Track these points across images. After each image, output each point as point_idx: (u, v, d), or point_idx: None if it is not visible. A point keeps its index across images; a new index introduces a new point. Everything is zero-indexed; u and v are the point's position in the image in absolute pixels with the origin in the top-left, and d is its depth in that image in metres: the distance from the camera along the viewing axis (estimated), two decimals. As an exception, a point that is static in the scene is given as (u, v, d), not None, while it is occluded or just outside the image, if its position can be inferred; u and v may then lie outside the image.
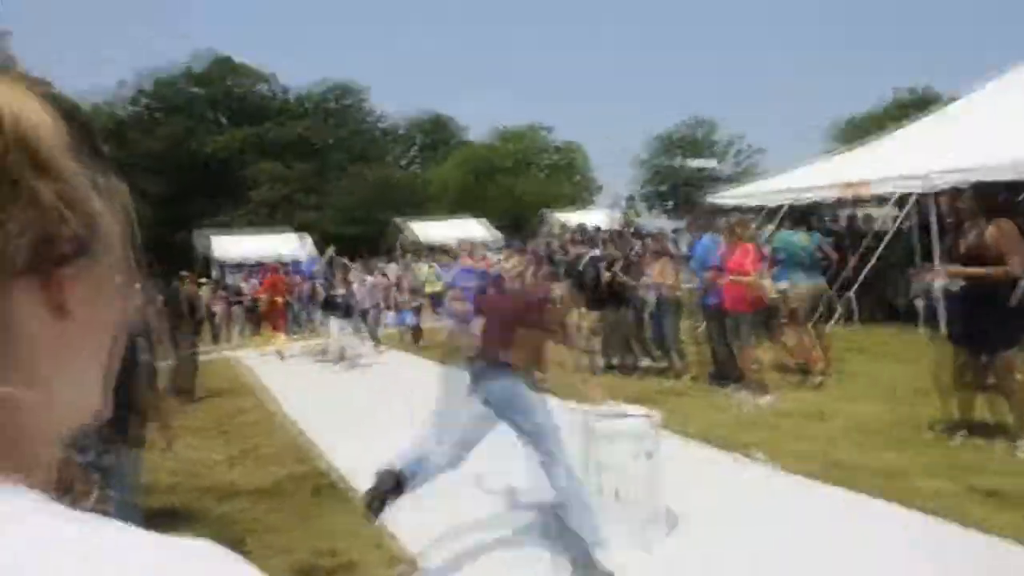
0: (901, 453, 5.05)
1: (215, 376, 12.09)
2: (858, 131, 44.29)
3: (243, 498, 5.41)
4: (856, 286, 9.81)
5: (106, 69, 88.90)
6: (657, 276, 8.19)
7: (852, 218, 12.54)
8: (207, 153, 54.46)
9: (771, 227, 11.80)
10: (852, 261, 11.38)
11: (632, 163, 55.78)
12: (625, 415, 4.03)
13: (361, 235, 46.43)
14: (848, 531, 4.01)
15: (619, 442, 3.77)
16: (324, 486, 5.45)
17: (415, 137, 66.17)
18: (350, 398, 9.29)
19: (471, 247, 19.18)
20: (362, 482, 5.42)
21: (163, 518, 5.11)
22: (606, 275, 8.63)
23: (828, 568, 3.63)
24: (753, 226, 8.29)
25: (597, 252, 9.50)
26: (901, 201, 13.45)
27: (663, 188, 58.09)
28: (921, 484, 4.48)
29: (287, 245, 26.48)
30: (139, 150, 52.57)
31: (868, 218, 12.55)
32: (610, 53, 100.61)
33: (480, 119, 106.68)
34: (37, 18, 77.71)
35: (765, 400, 6.74)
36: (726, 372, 7.65)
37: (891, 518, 4.15)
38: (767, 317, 7.57)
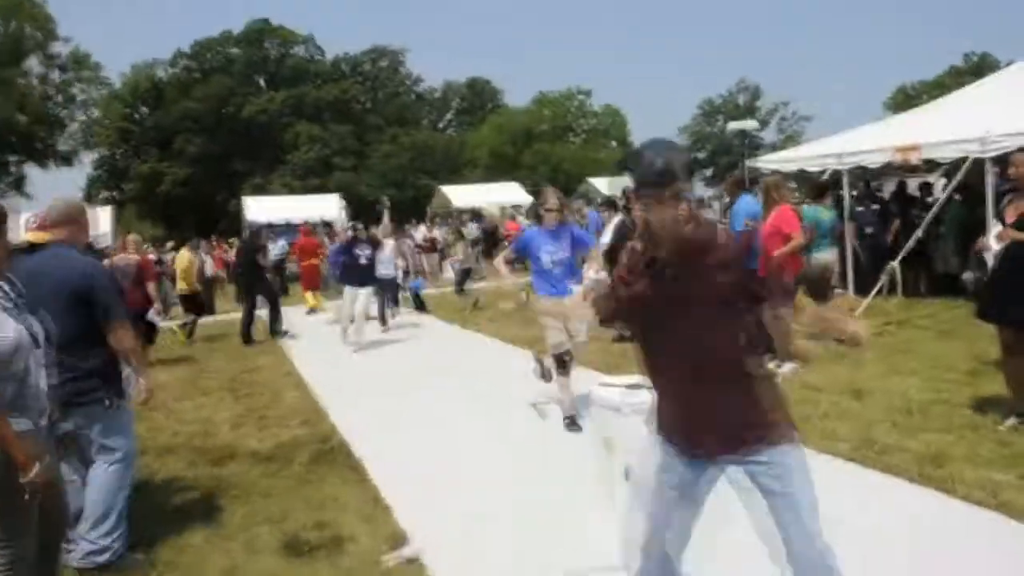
0: (944, 436, 4.61)
1: (234, 336, 12.01)
2: (913, 101, 42.70)
3: (240, 461, 5.20)
4: (900, 257, 9.18)
5: (151, 32, 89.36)
6: None
7: (901, 185, 11.85)
8: (245, 115, 54.46)
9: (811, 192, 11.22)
10: (893, 229, 10.80)
11: (673, 129, 54.95)
12: (639, 386, 3.65)
13: (397, 198, 46.52)
14: (883, 518, 3.62)
15: (631, 416, 3.40)
16: (324, 452, 5.21)
17: (452, 101, 65.51)
18: (365, 361, 9.11)
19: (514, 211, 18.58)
20: (363, 448, 5.21)
21: (156, 481, 4.93)
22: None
23: (859, 557, 3.25)
24: (792, 188, 7.75)
25: (623, 218, 9.02)
26: (953, 170, 12.74)
27: (702, 155, 57.01)
28: (965, 471, 4.05)
29: (319, 207, 26.33)
30: (178, 111, 52.96)
31: (924, 186, 11.84)
32: (655, 15, 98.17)
33: (518, 83, 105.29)
34: (81, -22, 78.31)
35: (788, 368, 6.37)
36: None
37: (931, 505, 3.75)
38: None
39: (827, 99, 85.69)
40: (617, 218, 9.20)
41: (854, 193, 11.66)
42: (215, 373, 8.83)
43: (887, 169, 11.49)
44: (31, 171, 35.67)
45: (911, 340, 7.51)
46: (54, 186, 78.04)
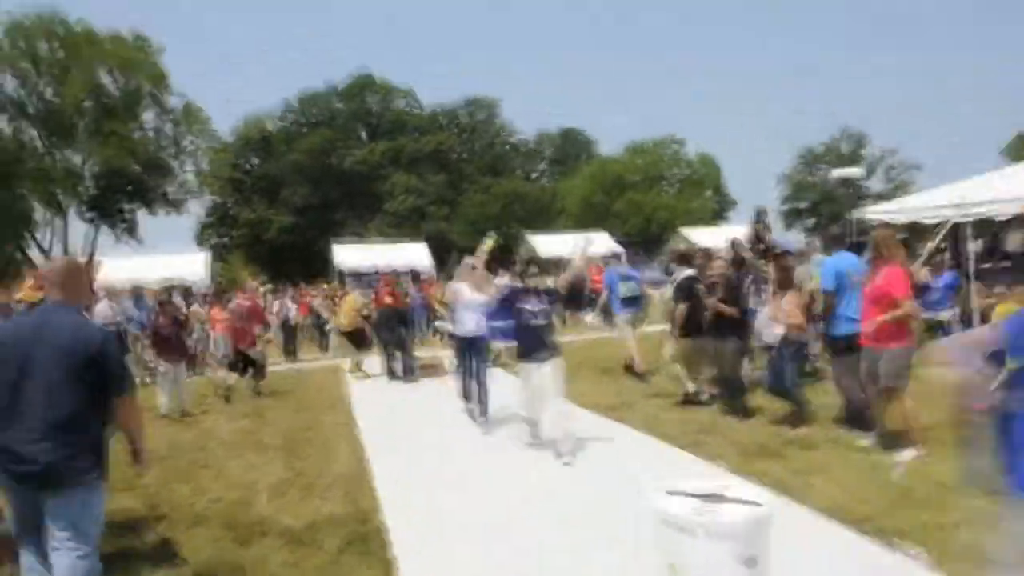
0: None
1: (308, 386, 11.77)
2: (1035, 148, 39.57)
3: (269, 541, 4.66)
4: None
5: (263, 87, 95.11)
6: (783, 314, 6.78)
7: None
8: (347, 166, 56.41)
9: (931, 246, 10.06)
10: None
11: (773, 179, 53.25)
12: (721, 496, 2.88)
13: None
14: None
15: (707, 540, 2.64)
16: (359, 536, 4.61)
17: (545, 151, 65.90)
18: (436, 427, 8.15)
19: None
20: (403, 536, 4.58)
21: (175, 559, 4.45)
22: (708, 301, 7.48)
23: None
24: (902, 243, 6.70)
25: (692, 274, 8.22)
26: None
27: (804, 205, 54.68)
28: None
29: (408, 255, 26.46)
30: (284, 162, 55.51)
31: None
32: (751, 62, 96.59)
33: (612, 133, 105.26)
34: (198, 37, 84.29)
35: (906, 455, 5.50)
36: (861, 422, 6.27)
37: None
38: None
39: (938, 147, 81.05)
40: (684, 273, 8.28)
41: (978, 248, 10.41)
42: (275, 428, 8.46)
43: (1013, 222, 10.30)
44: (142, 218, 37.89)
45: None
46: (165, 232, 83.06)
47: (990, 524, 3.27)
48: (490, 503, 5.24)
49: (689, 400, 7.97)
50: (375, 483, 5.80)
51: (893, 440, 5.74)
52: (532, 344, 6.49)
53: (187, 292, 19.31)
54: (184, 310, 14.44)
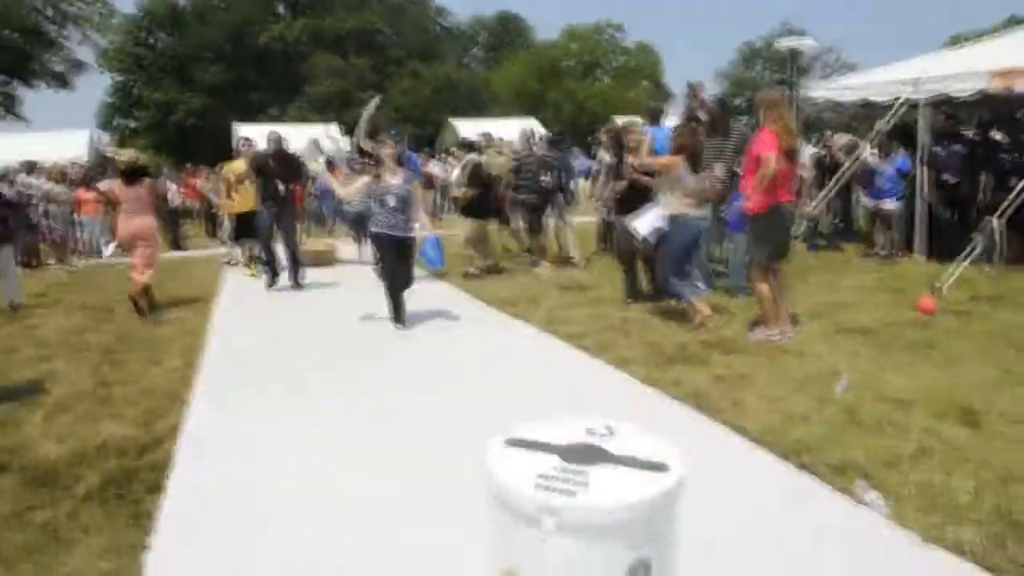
0: None
1: (180, 278, 10.25)
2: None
3: (5, 478, 3.39)
4: (1002, 211, 6.93)
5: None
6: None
7: (984, 124, 9.54)
8: (264, 43, 52.37)
9: (881, 125, 8.95)
10: (983, 179, 8.66)
11: (710, 72, 51.89)
12: (599, 452, 1.69)
13: (418, 134, 44.25)
14: None
15: (559, 538, 1.46)
16: (126, 473, 3.36)
17: (479, 35, 62.51)
18: (306, 328, 6.76)
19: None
20: (185, 478, 3.35)
21: None
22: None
23: None
24: (785, 108, 5.48)
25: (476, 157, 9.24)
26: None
27: (739, 100, 53.65)
28: None
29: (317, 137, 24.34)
30: (195, 38, 51.02)
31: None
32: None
33: (550, 17, 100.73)
34: None
35: (759, 335, 5.22)
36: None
37: None
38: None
39: (873, 48, 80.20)
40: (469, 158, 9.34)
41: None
42: (114, 326, 7.00)
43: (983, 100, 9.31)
44: (35, 97, 33.88)
45: (1017, 326, 5.44)
46: (56, 110, 75.83)
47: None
48: (324, 465, 3.46)
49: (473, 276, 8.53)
50: (191, 401, 4.51)
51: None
52: None
53: (62, 175, 17.14)
54: (34, 189, 12.56)
